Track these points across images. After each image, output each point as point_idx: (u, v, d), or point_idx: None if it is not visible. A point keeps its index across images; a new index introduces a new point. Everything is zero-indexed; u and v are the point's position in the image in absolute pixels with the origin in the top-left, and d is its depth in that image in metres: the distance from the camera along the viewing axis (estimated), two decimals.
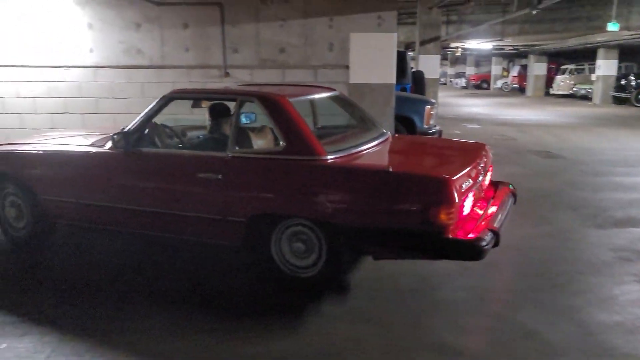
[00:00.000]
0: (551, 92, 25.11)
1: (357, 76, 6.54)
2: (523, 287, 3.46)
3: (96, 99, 6.80)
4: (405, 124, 7.37)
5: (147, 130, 3.74)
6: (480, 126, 13.06)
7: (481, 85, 34.54)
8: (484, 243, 2.86)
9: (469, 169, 3.19)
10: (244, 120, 4.34)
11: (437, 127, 7.81)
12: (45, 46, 6.67)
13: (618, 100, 19.70)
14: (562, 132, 11.68)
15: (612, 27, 13.03)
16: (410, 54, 12.67)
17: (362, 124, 4.18)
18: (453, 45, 22.99)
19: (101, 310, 3.12)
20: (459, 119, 14.83)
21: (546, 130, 12.04)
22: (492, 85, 33.03)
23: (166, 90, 6.59)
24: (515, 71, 29.57)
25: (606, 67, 20.47)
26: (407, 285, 3.48)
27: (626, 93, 19.14)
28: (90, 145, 3.90)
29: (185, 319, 3.01)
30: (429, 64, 13.37)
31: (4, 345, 2.73)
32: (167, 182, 3.56)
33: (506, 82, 30.90)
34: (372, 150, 3.57)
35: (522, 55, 28.03)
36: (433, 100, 8.06)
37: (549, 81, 25.93)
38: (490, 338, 2.81)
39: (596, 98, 20.82)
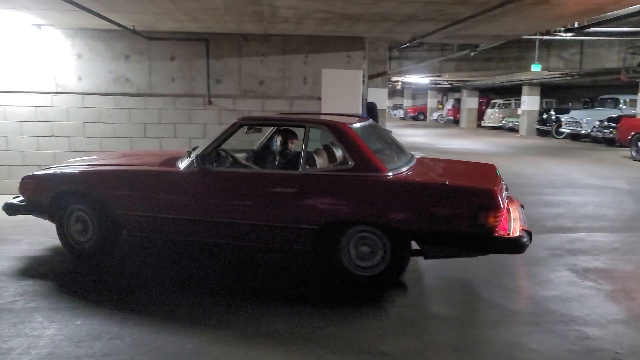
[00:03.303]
0: (483, 124, 27.24)
1: (328, 107, 7.39)
2: (484, 275, 4.34)
3: (83, 123, 7.25)
4: None
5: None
6: (425, 154, 14.22)
7: (418, 117, 36.58)
8: (525, 239, 3.63)
9: (501, 183, 4.03)
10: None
11: None
12: (33, 73, 7.09)
13: (541, 133, 21.80)
14: (497, 160, 12.97)
15: (535, 67, 14.85)
16: None
17: (394, 148, 4.61)
18: (394, 79, 24.57)
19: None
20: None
21: (484, 158, 13.24)
22: (428, 117, 35.14)
23: (152, 116, 7.24)
24: (450, 104, 31.77)
25: (530, 102, 22.64)
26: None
27: (547, 126, 21.25)
28: (160, 165, 4.36)
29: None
30: (377, 97, 14.52)
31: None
32: (245, 196, 4.04)
33: (441, 115, 33.05)
34: (415, 169, 4.18)
35: (456, 89, 30.26)
36: (390, 130, 9.06)
37: (480, 114, 28.10)
38: (468, 309, 3.65)
39: (522, 130, 22.88)
